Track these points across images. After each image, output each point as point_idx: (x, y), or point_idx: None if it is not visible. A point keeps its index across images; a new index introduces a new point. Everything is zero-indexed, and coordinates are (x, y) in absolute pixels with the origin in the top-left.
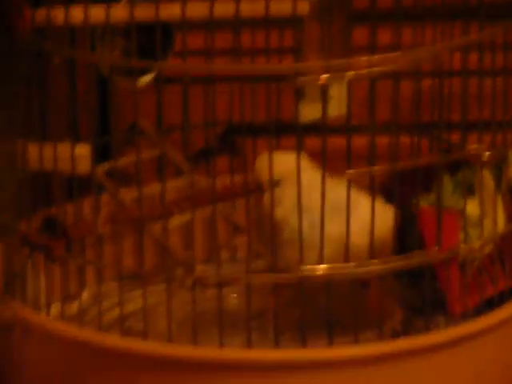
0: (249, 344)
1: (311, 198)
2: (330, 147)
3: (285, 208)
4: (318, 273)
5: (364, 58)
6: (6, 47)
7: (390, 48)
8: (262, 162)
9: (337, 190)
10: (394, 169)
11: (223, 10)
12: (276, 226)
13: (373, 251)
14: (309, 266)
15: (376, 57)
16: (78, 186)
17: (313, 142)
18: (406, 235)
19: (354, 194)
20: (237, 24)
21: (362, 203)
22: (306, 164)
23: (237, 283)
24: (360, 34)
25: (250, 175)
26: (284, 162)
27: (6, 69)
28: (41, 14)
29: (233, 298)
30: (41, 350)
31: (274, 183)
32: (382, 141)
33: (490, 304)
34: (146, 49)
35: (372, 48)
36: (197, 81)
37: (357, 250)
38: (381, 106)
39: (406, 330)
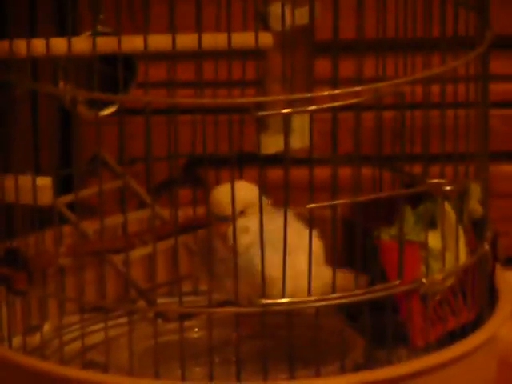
0: (211, 377)
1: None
2: (292, 179)
3: (251, 237)
4: (279, 306)
5: (326, 92)
6: None
7: (352, 80)
8: (219, 195)
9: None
10: (356, 201)
11: (185, 41)
12: (239, 256)
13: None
14: (270, 300)
15: (338, 91)
16: (40, 218)
17: (275, 173)
18: (367, 268)
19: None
20: (199, 56)
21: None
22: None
23: (198, 316)
24: (322, 66)
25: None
26: (241, 194)
27: None
28: (3, 45)
29: (194, 332)
30: (2, 381)
31: (238, 214)
32: (345, 172)
33: (452, 336)
34: (108, 80)
35: (334, 81)
36: (159, 112)
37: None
38: (343, 138)
39: (368, 363)
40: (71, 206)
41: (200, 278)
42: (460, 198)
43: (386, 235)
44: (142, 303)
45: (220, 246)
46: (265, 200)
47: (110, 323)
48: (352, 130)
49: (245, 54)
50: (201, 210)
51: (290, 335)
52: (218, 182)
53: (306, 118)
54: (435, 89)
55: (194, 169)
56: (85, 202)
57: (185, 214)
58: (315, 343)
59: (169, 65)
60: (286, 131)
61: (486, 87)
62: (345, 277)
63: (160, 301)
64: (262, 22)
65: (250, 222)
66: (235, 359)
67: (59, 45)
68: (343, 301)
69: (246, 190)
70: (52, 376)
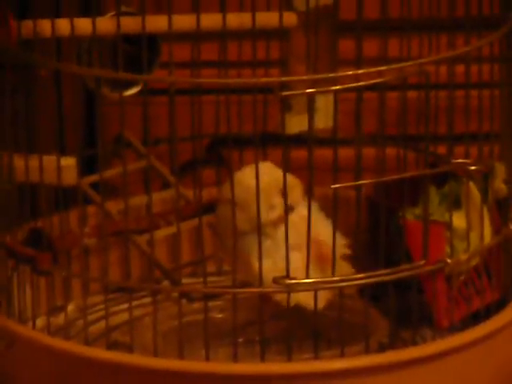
0: (235, 357)
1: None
2: (316, 159)
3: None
4: (303, 286)
5: (350, 72)
6: None
7: (376, 61)
8: (244, 177)
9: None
10: (381, 181)
11: (210, 21)
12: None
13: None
14: (295, 280)
15: (362, 70)
16: (64, 198)
17: (299, 153)
18: (392, 248)
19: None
20: (223, 36)
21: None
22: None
23: (222, 296)
24: (346, 46)
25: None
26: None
27: None
28: (27, 25)
29: (219, 311)
30: (26, 362)
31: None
32: (369, 153)
33: (477, 317)
34: (132, 60)
35: (358, 61)
36: (183, 92)
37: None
38: (367, 118)
39: (393, 344)
40: (95, 187)
41: (223, 258)
42: (485, 178)
43: (411, 215)
44: (166, 283)
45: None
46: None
47: (134, 303)
48: (376, 110)
49: (269, 34)
50: None
51: (315, 315)
52: (241, 163)
53: (330, 98)
54: (460, 69)
55: (217, 149)
56: (109, 183)
57: (209, 194)
58: (340, 323)
59: (193, 45)
60: (310, 111)
61: (510, 67)
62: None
63: (184, 281)
64: (286, 2)
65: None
66: (259, 339)
67: (83, 25)
68: (368, 281)
69: (271, 171)
70: (76, 356)
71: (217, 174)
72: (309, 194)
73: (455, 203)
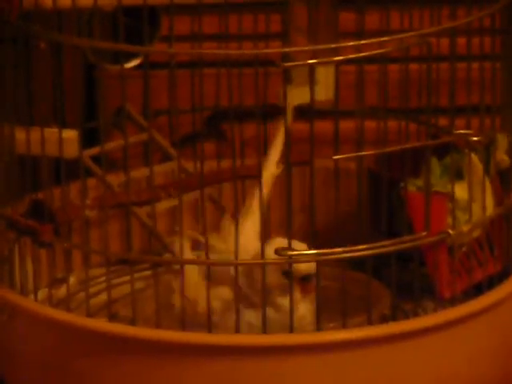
0: (237, 328)
1: None
2: (316, 131)
3: None
4: (305, 257)
5: (352, 43)
6: None
7: (378, 33)
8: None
9: None
10: (382, 152)
11: None
12: None
13: None
14: (297, 251)
15: (363, 41)
16: (66, 171)
17: (300, 126)
18: (394, 220)
19: None
20: (224, 8)
21: None
22: None
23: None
24: (347, 19)
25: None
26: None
27: None
28: None
29: None
30: (28, 334)
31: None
32: (370, 125)
33: (479, 288)
34: (132, 34)
35: (359, 33)
36: (183, 65)
37: None
38: (368, 90)
39: (395, 315)
40: (95, 160)
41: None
42: (487, 149)
43: (413, 186)
44: (167, 256)
45: None
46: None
47: (135, 276)
48: (377, 82)
49: (269, 6)
50: (224, 164)
51: (317, 287)
52: (242, 136)
53: (331, 69)
54: (461, 41)
55: (217, 122)
56: (109, 156)
57: (209, 167)
58: (342, 295)
59: (192, 18)
60: (312, 82)
61: (511, 39)
62: None
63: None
64: None
65: None
66: (261, 310)
67: None
68: (370, 252)
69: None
70: (78, 328)
71: (217, 147)
72: (311, 166)
73: (457, 174)
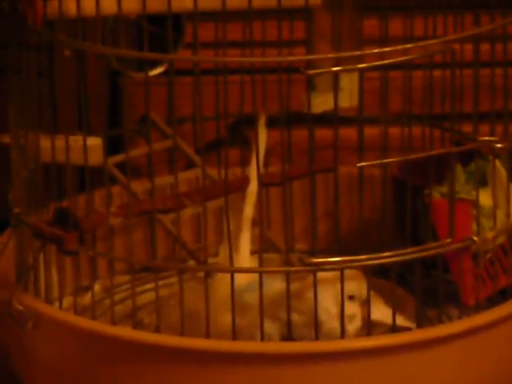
0: (262, 336)
1: None
2: (340, 138)
3: None
4: (330, 265)
5: (375, 50)
6: (18, 39)
7: (401, 40)
8: None
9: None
10: (407, 159)
11: (235, 1)
12: None
13: None
14: (321, 259)
15: (387, 48)
16: (90, 178)
17: (323, 133)
18: (418, 227)
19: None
20: (248, 15)
21: None
22: None
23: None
24: (371, 26)
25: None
26: None
27: (17, 61)
28: (52, 5)
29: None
30: (53, 342)
31: None
32: (394, 132)
33: (503, 295)
34: (156, 41)
35: (383, 39)
36: (207, 72)
37: None
38: (392, 97)
39: (419, 322)
40: (118, 168)
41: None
42: (511, 156)
43: (437, 193)
44: (191, 263)
45: None
46: None
47: (160, 283)
48: (401, 88)
49: (293, 14)
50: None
51: (342, 294)
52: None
53: (354, 76)
54: (485, 47)
55: (240, 129)
56: (133, 164)
57: (233, 173)
58: (367, 302)
59: (216, 25)
60: (336, 90)
61: None
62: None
63: (209, 261)
64: None
65: None
66: (286, 318)
67: (108, 4)
68: (394, 259)
69: None
70: (103, 336)
71: (241, 154)
72: (335, 173)
73: (481, 181)
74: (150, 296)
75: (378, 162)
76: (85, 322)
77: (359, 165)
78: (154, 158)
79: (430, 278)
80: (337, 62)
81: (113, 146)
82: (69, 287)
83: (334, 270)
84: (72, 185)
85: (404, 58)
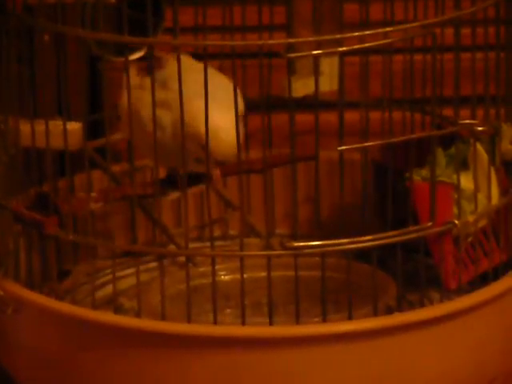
0: (243, 320)
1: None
2: (321, 123)
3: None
4: (311, 249)
5: (356, 33)
6: None
7: (382, 24)
8: None
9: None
10: (388, 143)
11: None
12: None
13: None
14: (302, 243)
15: (368, 32)
16: (70, 163)
17: (305, 117)
18: (399, 210)
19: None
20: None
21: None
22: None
23: (230, 260)
24: (351, 10)
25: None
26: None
27: None
28: None
29: (223, 275)
30: (34, 327)
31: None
32: (374, 117)
33: (485, 278)
34: (135, 26)
35: (363, 24)
36: None
37: None
38: (372, 82)
39: (400, 306)
40: (99, 152)
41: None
42: (492, 139)
43: (418, 177)
44: (172, 247)
45: None
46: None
47: (141, 268)
48: (381, 73)
49: None
50: None
51: (323, 278)
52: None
53: (334, 61)
54: (466, 32)
55: None
56: (113, 148)
57: None
58: (347, 286)
59: (196, 9)
60: (316, 73)
61: None
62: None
63: (190, 245)
64: None
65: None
66: (267, 302)
67: None
68: (375, 243)
69: None
70: (84, 321)
71: None
72: (316, 157)
73: (462, 164)
74: (131, 281)
75: (358, 145)
76: (66, 307)
77: (340, 148)
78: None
79: (412, 262)
80: (317, 46)
81: (93, 131)
82: (49, 272)
83: (315, 253)
84: (52, 169)
85: (384, 41)
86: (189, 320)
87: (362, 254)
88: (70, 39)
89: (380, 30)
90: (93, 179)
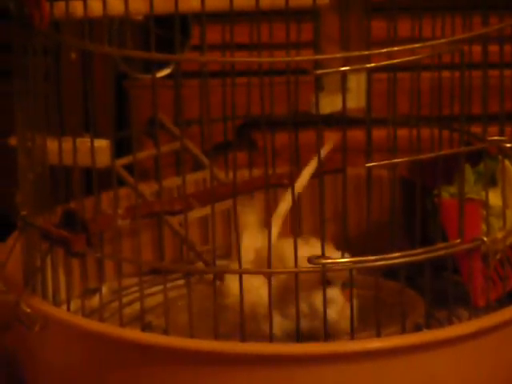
0: (271, 337)
1: None
2: (349, 140)
3: None
4: (339, 266)
5: (384, 50)
6: (24, 41)
7: (409, 41)
8: None
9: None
10: (415, 160)
11: (242, 1)
12: None
13: None
14: (331, 260)
15: (396, 48)
16: (97, 180)
17: (332, 134)
18: (428, 227)
19: None
20: (256, 16)
21: None
22: None
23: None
24: (378, 27)
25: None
26: None
27: (23, 64)
28: (59, 6)
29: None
30: (60, 344)
31: None
32: (402, 134)
33: None
34: (162, 44)
35: (391, 40)
36: (214, 75)
37: None
38: (400, 99)
39: (429, 324)
40: (127, 170)
41: None
42: None
43: (446, 194)
44: (199, 265)
45: None
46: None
47: (168, 286)
48: (409, 90)
49: (300, 15)
50: (256, 172)
51: (351, 295)
52: (273, 144)
53: (362, 77)
54: (493, 49)
55: (248, 131)
56: (140, 166)
57: (241, 175)
58: (376, 304)
59: (223, 27)
60: (344, 90)
61: None
62: None
63: (217, 263)
64: None
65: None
66: (295, 319)
67: (115, 5)
68: (404, 260)
69: None
70: (111, 338)
71: (248, 156)
72: (343, 174)
73: (491, 181)
74: (158, 298)
75: (386, 162)
76: (93, 325)
77: (368, 165)
78: (161, 160)
79: (440, 280)
80: (345, 63)
81: (120, 149)
82: (76, 290)
83: (342, 270)
84: (79, 187)
85: (412, 57)
86: (216, 337)
87: (389, 272)
88: (97, 56)
89: (408, 47)
90: (120, 197)
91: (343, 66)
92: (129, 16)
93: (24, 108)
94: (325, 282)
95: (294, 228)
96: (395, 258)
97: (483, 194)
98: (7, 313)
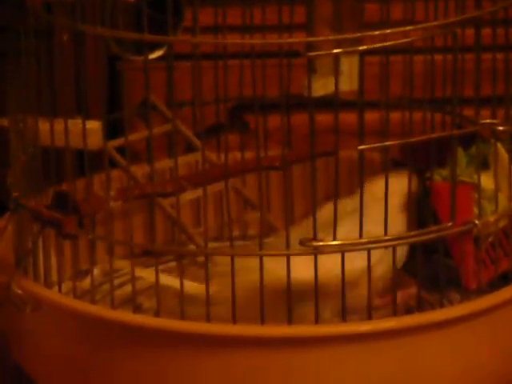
0: (262, 319)
1: None
2: (341, 123)
3: None
4: (331, 248)
5: (376, 32)
6: (17, 23)
7: (402, 24)
8: None
9: None
10: (407, 143)
11: None
12: None
13: None
14: (322, 242)
15: (388, 30)
16: (89, 162)
17: (324, 117)
18: (419, 210)
19: None
20: None
21: None
22: None
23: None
24: (371, 10)
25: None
26: None
27: (16, 45)
28: None
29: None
30: (52, 326)
31: None
32: (394, 117)
33: (505, 278)
34: (155, 26)
35: (384, 23)
36: (207, 57)
37: None
38: (393, 82)
39: (420, 307)
40: (119, 151)
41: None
42: None
43: (438, 176)
44: (191, 247)
45: None
46: None
47: (159, 267)
48: (402, 72)
49: None
50: (248, 155)
51: (343, 277)
52: (265, 127)
53: (355, 60)
54: (486, 32)
55: (240, 113)
56: (132, 148)
57: (233, 157)
58: (367, 286)
59: (216, 9)
60: (336, 72)
61: None
62: None
63: (209, 245)
64: None
65: None
66: (287, 302)
67: None
68: (395, 243)
69: None
70: (103, 320)
71: (240, 138)
72: (335, 157)
73: (483, 164)
74: (149, 280)
75: (379, 144)
76: (84, 306)
77: (360, 147)
78: (153, 142)
79: (432, 263)
80: (337, 45)
81: (112, 130)
82: (68, 271)
83: (334, 252)
84: (71, 168)
85: (405, 40)
86: (208, 320)
87: None
88: (89, 38)
89: (400, 29)
90: (112, 178)
91: (336, 49)
92: None
93: (16, 89)
94: (316, 266)
95: (286, 210)
96: (386, 240)
97: (475, 177)
98: None
